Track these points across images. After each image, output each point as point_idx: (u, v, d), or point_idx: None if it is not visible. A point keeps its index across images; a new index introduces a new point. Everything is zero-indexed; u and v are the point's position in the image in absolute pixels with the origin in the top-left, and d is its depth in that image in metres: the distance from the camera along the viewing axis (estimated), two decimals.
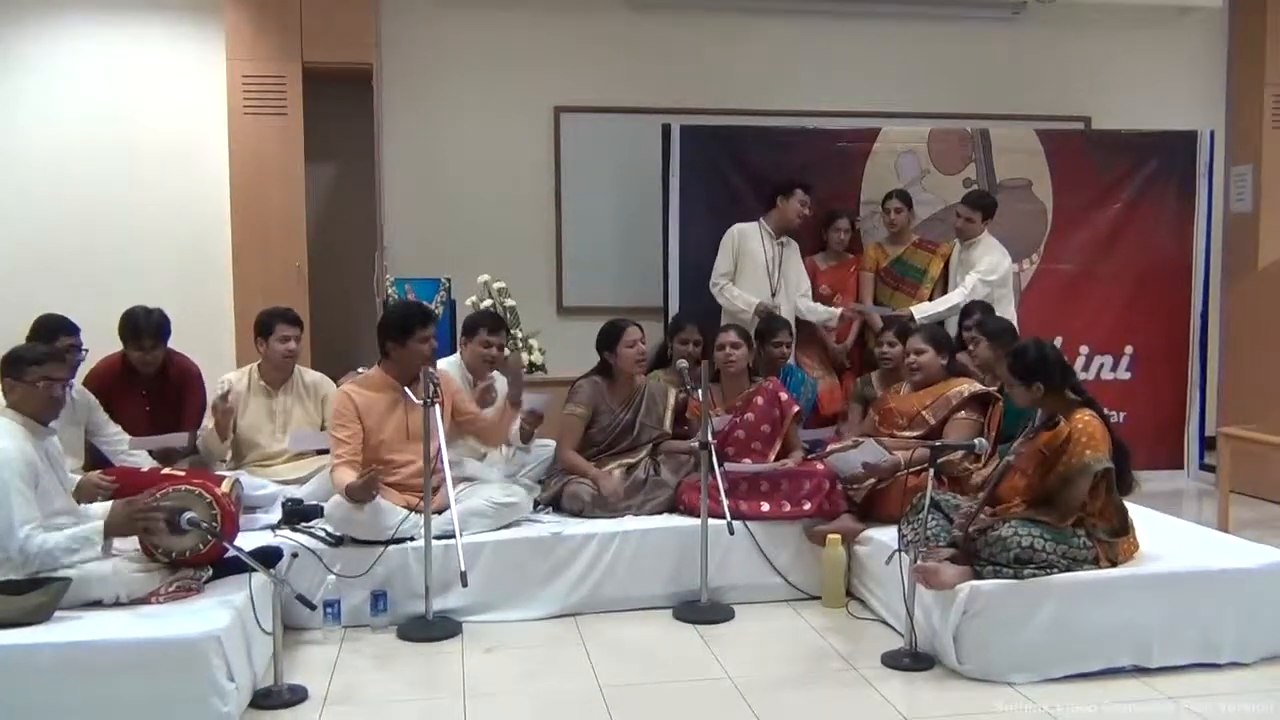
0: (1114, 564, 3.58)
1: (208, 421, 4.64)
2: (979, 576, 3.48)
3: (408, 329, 4.15)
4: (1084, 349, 6.33)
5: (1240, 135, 7.07)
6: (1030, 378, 3.61)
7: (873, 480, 4.27)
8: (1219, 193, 6.79)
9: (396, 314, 4.35)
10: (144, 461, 4.44)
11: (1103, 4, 6.73)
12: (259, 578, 3.28)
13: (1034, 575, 3.45)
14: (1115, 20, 6.96)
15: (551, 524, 4.27)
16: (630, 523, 4.28)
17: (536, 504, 4.44)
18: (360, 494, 3.88)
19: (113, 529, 3.26)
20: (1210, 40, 7.19)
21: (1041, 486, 3.60)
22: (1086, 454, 3.49)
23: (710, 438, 4.08)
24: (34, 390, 3.34)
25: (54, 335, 4.31)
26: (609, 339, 4.65)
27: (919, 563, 3.53)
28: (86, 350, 4.52)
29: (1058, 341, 4.94)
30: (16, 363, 3.36)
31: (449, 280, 6.01)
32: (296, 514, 4.17)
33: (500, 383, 4.61)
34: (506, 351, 4.80)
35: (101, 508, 3.45)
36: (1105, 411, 3.70)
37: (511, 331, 5.69)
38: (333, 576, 3.87)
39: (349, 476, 3.92)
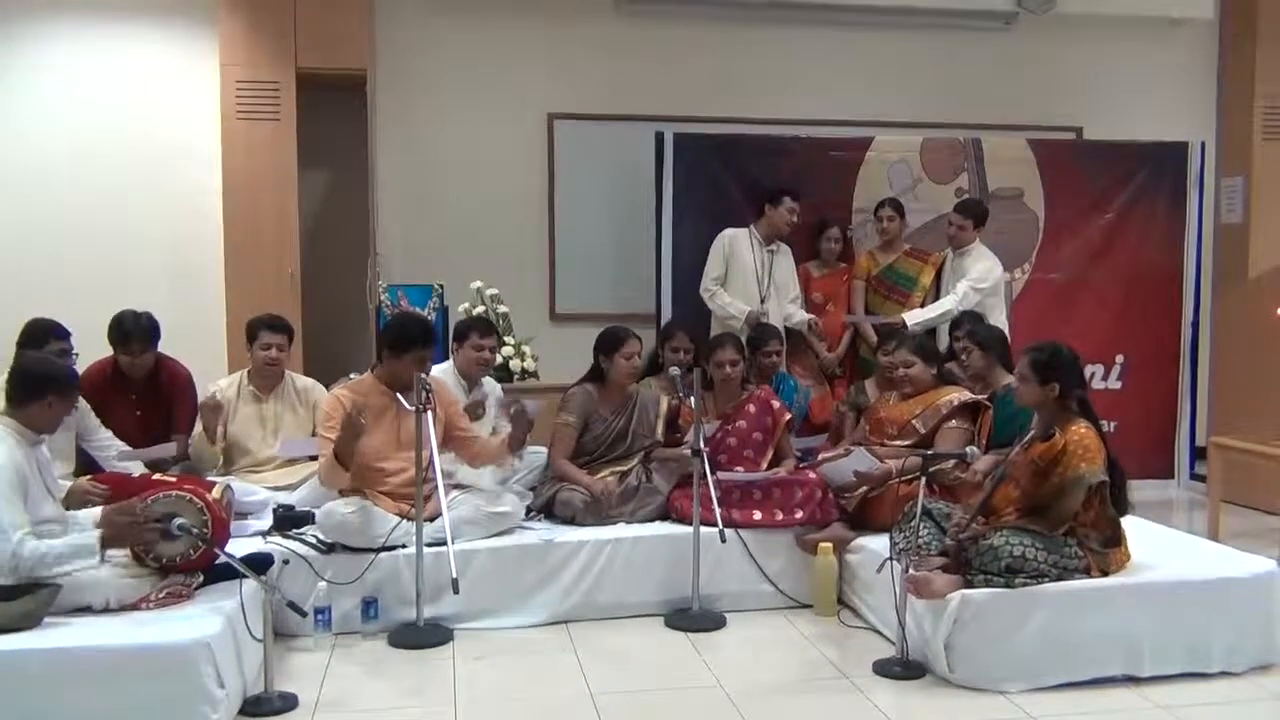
0: (1105, 573, 3.59)
1: (198, 427, 4.63)
2: (970, 585, 3.48)
3: (406, 347, 4.13)
4: (1079, 361, 6.33)
5: (1231, 146, 7.11)
6: (1051, 377, 3.60)
7: (864, 489, 4.28)
8: (1209, 203, 6.81)
9: (401, 327, 4.29)
10: (134, 467, 4.42)
11: (1095, 15, 6.76)
12: (250, 584, 3.28)
13: (1025, 584, 3.45)
14: (1107, 31, 6.99)
15: (543, 531, 4.27)
16: (622, 530, 4.28)
17: (528, 511, 4.44)
18: (348, 431, 3.88)
19: (110, 539, 3.25)
20: (1201, 52, 7.23)
21: (1035, 497, 3.60)
22: (1082, 466, 3.49)
23: (703, 445, 4.09)
24: (55, 411, 3.36)
25: (44, 340, 4.31)
26: (609, 345, 4.63)
27: (910, 572, 3.54)
28: (77, 354, 4.51)
29: None
30: (46, 384, 3.34)
31: (442, 287, 6.01)
32: (287, 520, 4.15)
33: (494, 397, 4.65)
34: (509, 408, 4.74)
35: (91, 514, 3.43)
36: (1100, 423, 3.71)
37: (504, 338, 5.69)
38: (324, 583, 3.85)
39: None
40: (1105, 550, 3.61)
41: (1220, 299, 6.95)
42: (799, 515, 4.31)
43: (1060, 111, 6.99)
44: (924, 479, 3.72)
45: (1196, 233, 6.50)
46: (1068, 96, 7.02)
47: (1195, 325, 6.53)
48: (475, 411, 4.45)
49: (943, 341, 5.54)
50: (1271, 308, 5.77)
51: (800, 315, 5.82)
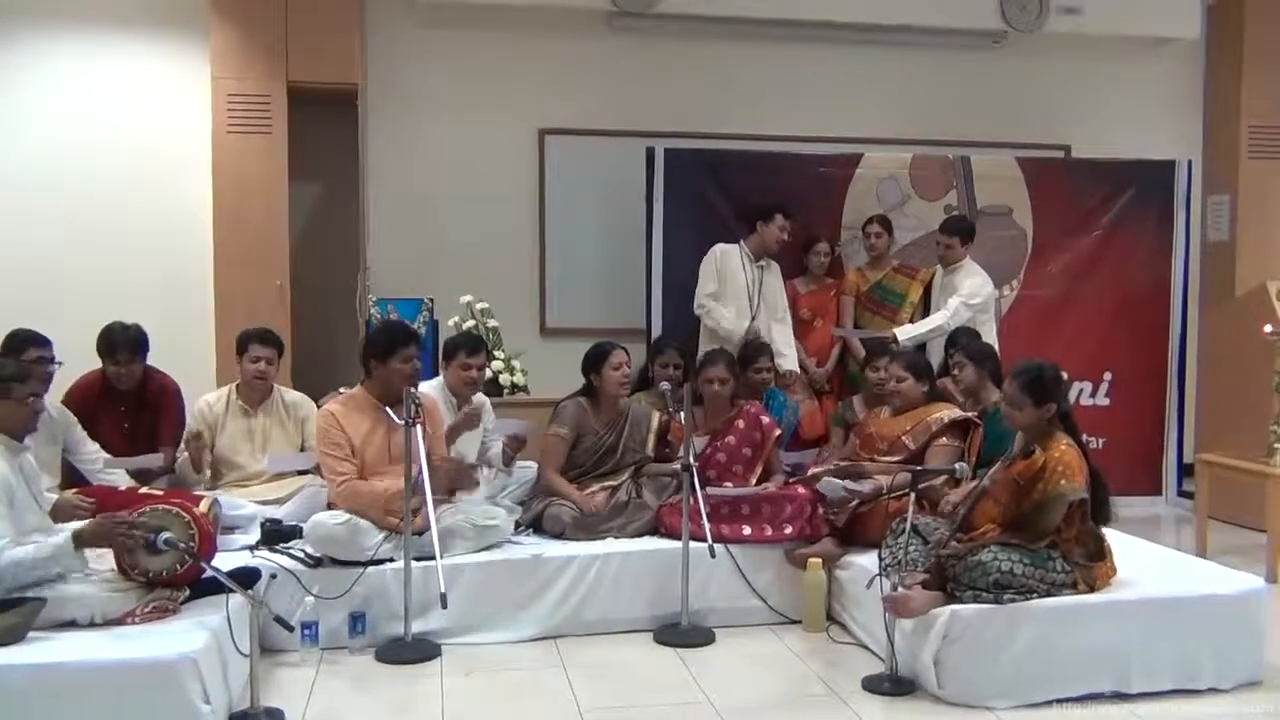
0: (1092, 588, 3.59)
1: (184, 449, 4.62)
2: (956, 601, 3.48)
3: (390, 349, 4.15)
4: (1063, 375, 6.35)
5: (1217, 165, 7.15)
6: (1045, 398, 3.61)
7: (854, 504, 4.27)
8: (1196, 221, 6.86)
9: (381, 333, 4.36)
10: (121, 480, 4.41)
11: (1082, 35, 6.81)
12: (236, 599, 3.26)
13: (1013, 600, 3.46)
14: (1095, 51, 7.04)
15: (532, 546, 4.26)
16: (611, 545, 4.27)
17: (517, 526, 4.43)
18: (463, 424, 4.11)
19: (84, 539, 3.22)
20: (1188, 71, 7.28)
21: (1015, 513, 3.61)
22: (1062, 484, 3.50)
23: (693, 460, 4.08)
24: (22, 407, 3.33)
25: (22, 349, 4.30)
26: (594, 361, 4.65)
27: (887, 592, 3.53)
28: (60, 363, 4.49)
29: None
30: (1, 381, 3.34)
31: (431, 301, 6.01)
32: (275, 534, 4.14)
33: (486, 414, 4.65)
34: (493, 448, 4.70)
35: (78, 527, 3.41)
36: (1084, 439, 3.72)
37: (494, 353, 5.68)
38: (311, 598, 3.83)
39: (374, 486, 4.01)
40: (1091, 565, 3.62)
41: (1207, 316, 6.99)
42: (788, 531, 4.31)
43: (1048, 130, 7.04)
44: (913, 495, 3.72)
45: (1184, 250, 6.55)
46: (1056, 115, 7.07)
47: (1183, 342, 6.57)
48: (471, 423, 4.41)
49: (936, 358, 5.55)
50: (1258, 325, 5.80)
51: (788, 353, 5.70)
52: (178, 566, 3.32)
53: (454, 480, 4.19)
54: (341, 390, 4.66)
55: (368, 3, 6.28)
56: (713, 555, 3.99)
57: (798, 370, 5.73)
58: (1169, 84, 7.27)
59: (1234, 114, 7.00)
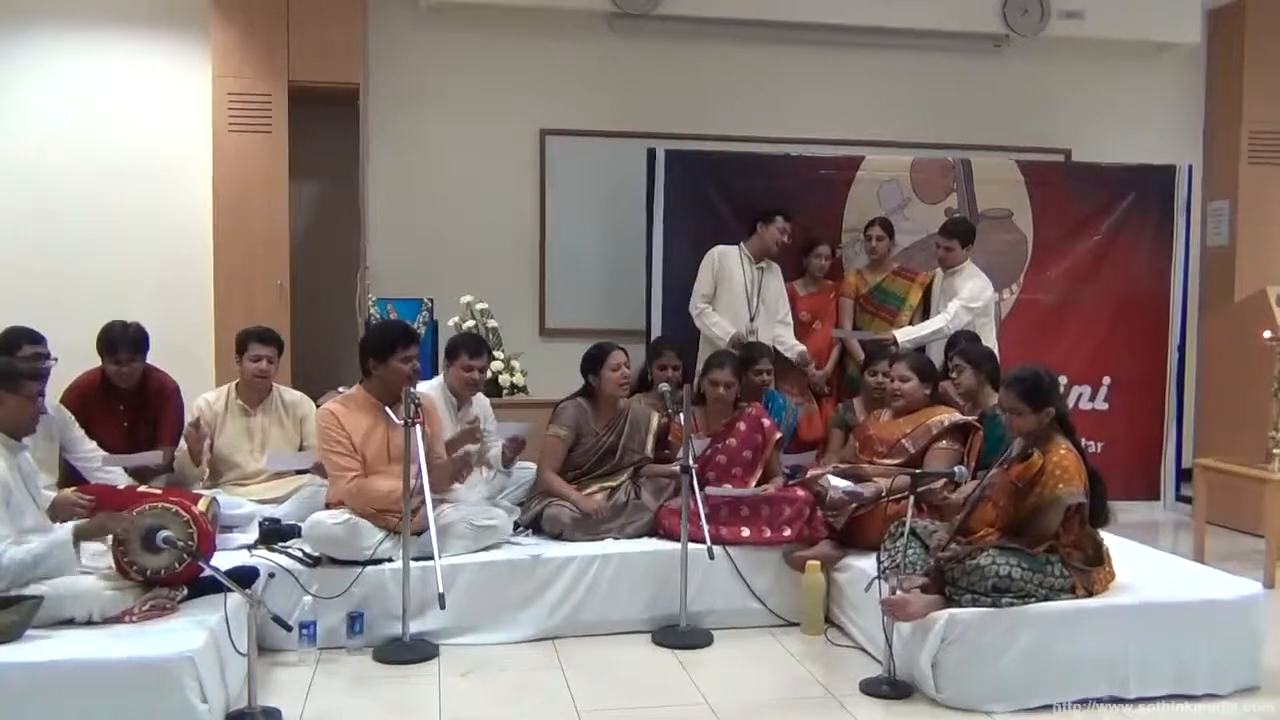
0: (1090, 593, 3.59)
1: (182, 444, 4.62)
2: (954, 605, 3.48)
3: (389, 348, 4.14)
4: (1062, 379, 6.31)
5: (1217, 170, 7.16)
6: (1044, 403, 3.61)
7: (853, 507, 4.27)
8: (1196, 226, 6.86)
9: (378, 333, 4.37)
10: (119, 479, 4.40)
11: (1083, 39, 6.82)
12: (234, 598, 3.25)
13: (1011, 604, 3.46)
14: (1096, 55, 7.05)
15: (531, 546, 4.26)
16: (610, 546, 4.27)
17: (516, 526, 4.43)
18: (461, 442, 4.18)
19: (84, 533, 3.22)
20: (1188, 76, 7.29)
21: (1013, 516, 3.61)
22: (1059, 488, 3.50)
23: (691, 462, 4.08)
24: (29, 404, 3.34)
25: (17, 345, 4.31)
26: (593, 362, 4.65)
27: (886, 596, 3.53)
28: (55, 359, 4.49)
29: None
30: (12, 376, 3.34)
31: (431, 301, 6.01)
32: (274, 534, 4.14)
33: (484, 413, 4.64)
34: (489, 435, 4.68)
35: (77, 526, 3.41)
36: (1082, 443, 3.72)
37: (494, 353, 5.68)
38: (309, 597, 3.83)
39: (380, 484, 3.99)
40: (1089, 569, 3.62)
41: (1206, 321, 6.99)
42: (787, 533, 4.31)
43: (1049, 133, 7.05)
44: (912, 498, 3.72)
45: (1183, 255, 6.54)
46: (1057, 119, 7.08)
47: (1182, 347, 6.56)
48: (471, 437, 4.37)
49: (936, 361, 5.54)
50: (1257, 330, 5.80)
51: (791, 341, 5.79)
52: (176, 565, 3.32)
53: (458, 470, 4.23)
54: (340, 390, 4.65)
55: (369, 2, 6.28)
56: (711, 557, 3.99)
57: (804, 348, 5.75)
58: (1169, 89, 7.28)
59: (1234, 119, 7.01)
